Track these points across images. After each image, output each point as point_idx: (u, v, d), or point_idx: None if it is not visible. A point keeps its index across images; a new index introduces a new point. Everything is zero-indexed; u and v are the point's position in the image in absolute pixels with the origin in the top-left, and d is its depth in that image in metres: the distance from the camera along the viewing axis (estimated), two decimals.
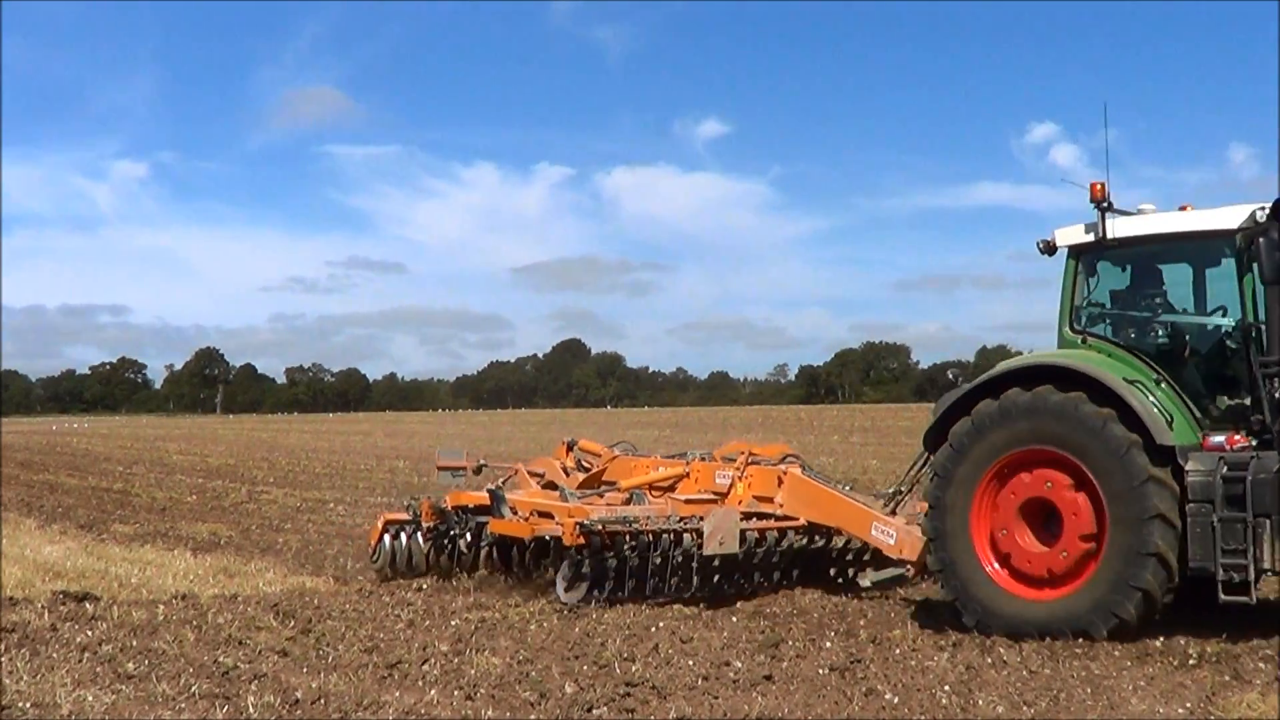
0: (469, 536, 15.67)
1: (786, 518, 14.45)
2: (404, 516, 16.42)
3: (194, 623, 12.16)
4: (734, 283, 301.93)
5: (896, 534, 13.50)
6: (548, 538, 14.14)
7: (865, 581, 14.46)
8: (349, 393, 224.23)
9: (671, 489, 15.34)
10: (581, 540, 13.21)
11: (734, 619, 12.14)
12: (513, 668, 10.19)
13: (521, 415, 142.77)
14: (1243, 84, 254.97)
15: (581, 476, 16.44)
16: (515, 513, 14.85)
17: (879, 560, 14.47)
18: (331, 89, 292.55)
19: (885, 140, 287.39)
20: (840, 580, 14.91)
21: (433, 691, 9.45)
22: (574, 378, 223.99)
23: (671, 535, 13.47)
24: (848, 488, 15.42)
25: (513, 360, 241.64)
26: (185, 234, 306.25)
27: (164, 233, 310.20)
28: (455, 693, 9.41)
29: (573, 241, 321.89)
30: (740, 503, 14.66)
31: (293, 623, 12.25)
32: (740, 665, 10.08)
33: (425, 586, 14.78)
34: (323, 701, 9.15)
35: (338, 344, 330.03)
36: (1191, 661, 10.11)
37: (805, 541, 14.47)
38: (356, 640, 11.37)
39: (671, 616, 12.30)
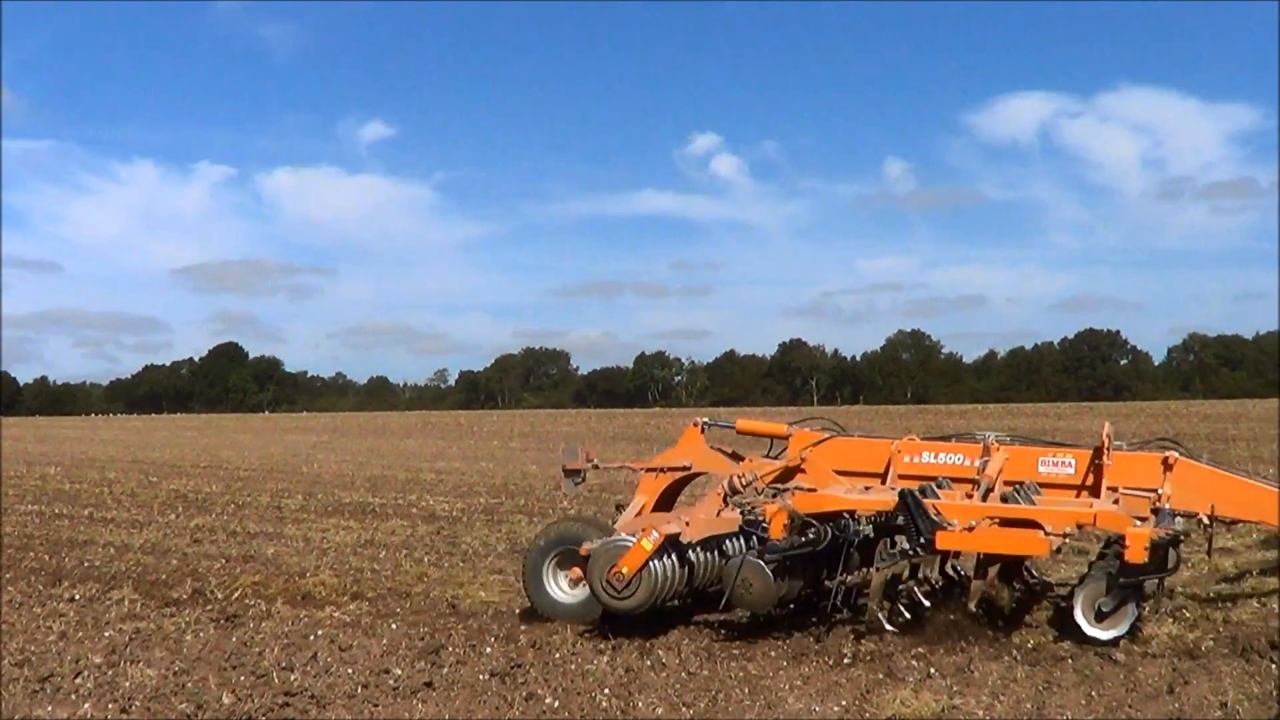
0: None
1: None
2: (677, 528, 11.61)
3: None
4: (397, 287, 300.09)
5: None
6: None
7: None
8: None
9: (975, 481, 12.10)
10: (1145, 558, 10.29)
11: (394, 625, 12.03)
12: (168, 679, 9.87)
13: (177, 420, 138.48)
14: (898, 99, 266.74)
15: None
16: (951, 523, 10.95)
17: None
18: None
19: (550, 146, 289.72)
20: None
21: (86, 705, 9.10)
22: (231, 382, 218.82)
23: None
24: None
25: (168, 364, 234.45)
26: None
27: None
28: (110, 705, 9.09)
29: (234, 243, 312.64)
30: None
31: None
32: (400, 672, 10.01)
33: (77, 596, 14.16)
34: None
35: None
36: (846, 661, 10.30)
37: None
38: (6, 653, 10.82)
39: (330, 624, 12.13)
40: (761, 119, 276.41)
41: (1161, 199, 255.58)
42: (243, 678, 9.90)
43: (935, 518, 10.95)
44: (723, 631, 11.47)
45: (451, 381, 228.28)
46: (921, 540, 10.94)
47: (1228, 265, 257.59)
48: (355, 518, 22.88)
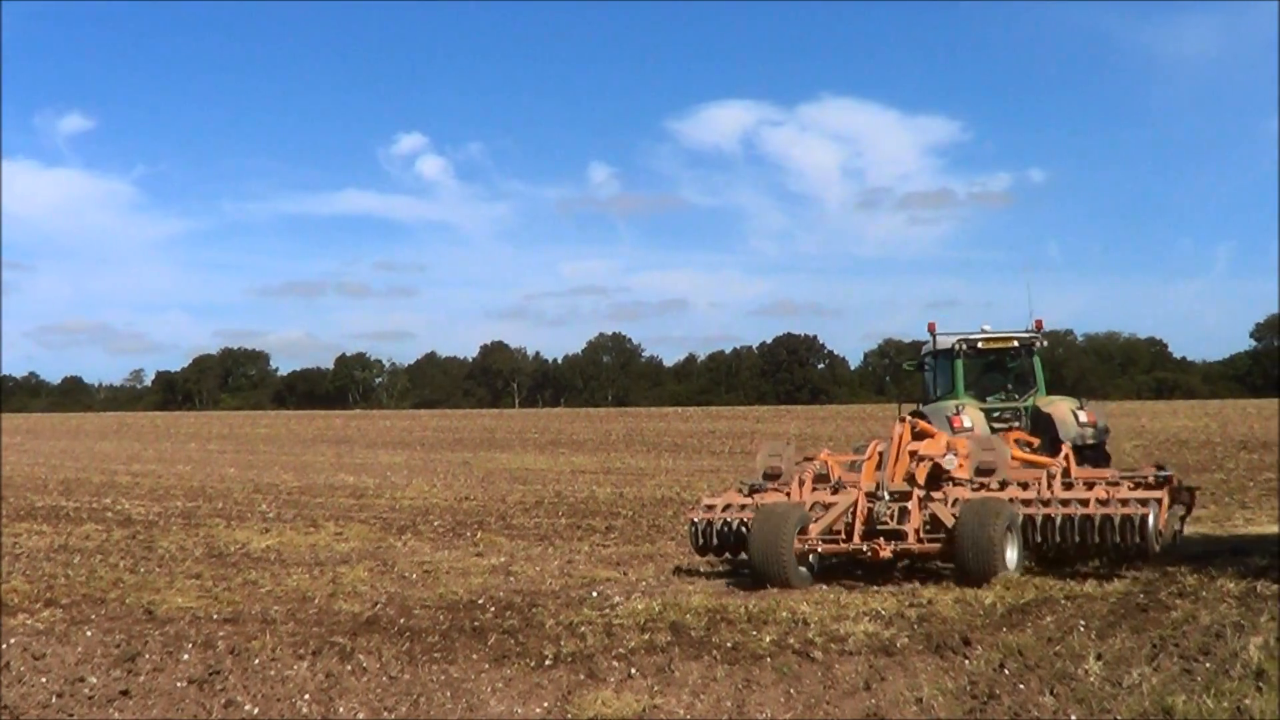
0: None
1: None
2: None
3: None
4: (94, 285, 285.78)
5: None
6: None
7: None
8: None
9: None
10: None
11: (89, 633, 11.54)
12: None
13: None
14: (603, 104, 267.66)
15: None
16: None
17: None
18: None
19: (251, 143, 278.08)
20: None
21: None
22: None
23: None
24: None
25: None
26: None
27: None
28: None
29: None
30: None
31: None
32: (96, 680, 9.63)
33: None
34: None
35: None
36: (548, 662, 10.09)
37: None
38: None
39: (23, 632, 11.55)
40: (467, 120, 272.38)
41: (860, 208, 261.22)
42: None
43: None
44: (423, 635, 11.41)
45: (148, 382, 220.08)
46: None
47: (922, 273, 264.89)
48: (48, 522, 21.97)
